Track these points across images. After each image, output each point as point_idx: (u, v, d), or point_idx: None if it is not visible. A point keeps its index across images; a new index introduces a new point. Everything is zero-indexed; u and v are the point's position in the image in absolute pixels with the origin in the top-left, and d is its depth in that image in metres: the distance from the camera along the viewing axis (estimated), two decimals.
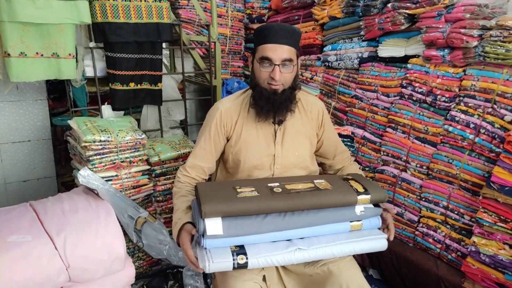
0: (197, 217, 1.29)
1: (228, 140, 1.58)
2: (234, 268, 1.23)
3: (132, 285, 1.77)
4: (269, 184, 1.38)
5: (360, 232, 1.40)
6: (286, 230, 1.33)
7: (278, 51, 1.40)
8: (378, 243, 1.39)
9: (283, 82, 1.44)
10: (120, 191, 1.97)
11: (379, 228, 1.45)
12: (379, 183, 2.23)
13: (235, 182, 1.42)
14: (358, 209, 1.38)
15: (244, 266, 1.24)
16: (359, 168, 1.78)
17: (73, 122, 2.03)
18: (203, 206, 1.23)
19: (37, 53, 2.01)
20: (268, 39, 1.41)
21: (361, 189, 1.38)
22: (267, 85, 1.44)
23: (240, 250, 1.27)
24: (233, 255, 1.24)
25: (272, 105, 1.45)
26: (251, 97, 1.53)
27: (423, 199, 2.01)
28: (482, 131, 1.77)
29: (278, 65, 1.40)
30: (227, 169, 1.64)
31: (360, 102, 2.43)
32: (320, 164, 1.80)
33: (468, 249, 1.76)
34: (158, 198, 2.16)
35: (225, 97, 1.67)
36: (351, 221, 1.39)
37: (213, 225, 1.24)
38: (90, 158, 1.91)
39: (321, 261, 1.40)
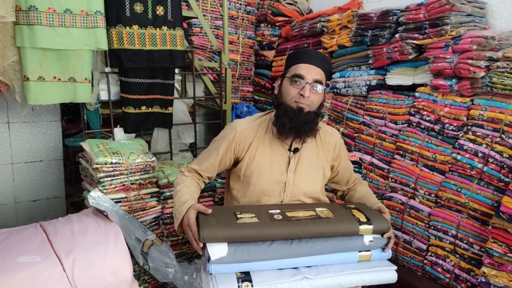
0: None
1: (238, 162, 1.57)
2: None
3: None
4: (270, 211, 1.36)
5: (368, 263, 1.38)
6: (293, 258, 1.31)
7: (311, 71, 1.44)
8: (387, 274, 1.37)
9: (310, 104, 1.45)
10: (129, 212, 1.98)
11: (388, 260, 1.42)
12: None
13: (236, 208, 1.42)
14: (367, 238, 1.35)
15: None
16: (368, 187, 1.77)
17: (85, 144, 2.07)
18: (202, 231, 1.23)
19: (54, 77, 2.08)
20: (303, 59, 1.46)
21: (363, 219, 1.36)
22: (294, 103, 1.45)
23: (245, 276, 1.25)
24: (238, 281, 1.22)
25: (295, 123, 1.44)
26: (274, 115, 1.53)
27: (432, 227, 1.99)
28: (491, 160, 1.77)
29: (310, 83, 1.43)
30: (232, 191, 1.62)
31: (368, 128, 2.45)
32: (332, 190, 1.81)
33: (478, 280, 1.73)
34: (165, 221, 2.17)
35: (245, 117, 1.68)
36: (359, 251, 1.36)
37: (217, 250, 1.23)
38: (101, 179, 1.94)
39: None
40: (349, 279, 1.32)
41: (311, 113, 1.46)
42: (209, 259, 1.23)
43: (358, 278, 1.33)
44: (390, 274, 1.38)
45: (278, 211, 1.37)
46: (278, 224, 1.29)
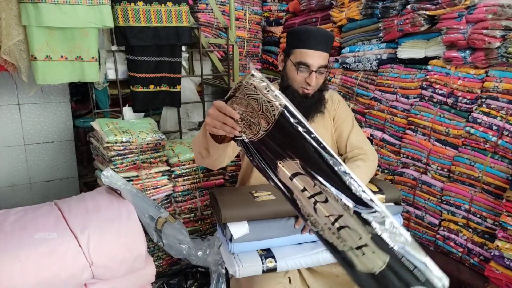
0: (221, 226, 1.30)
1: None
2: (263, 271, 1.24)
3: (152, 283, 1.80)
4: None
5: None
6: None
7: (317, 58, 1.40)
8: None
9: (316, 87, 1.47)
10: (141, 191, 2.00)
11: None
12: (399, 186, 2.21)
13: (251, 188, 1.44)
14: None
15: (273, 269, 1.25)
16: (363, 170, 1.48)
17: (96, 124, 2.08)
18: (222, 211, 1.25)
19: (62, 56, 2.07)
20: (308, 44, 1.40)
21: (375, 189, 1.40)
22: (300, 89, 1.46)
23: (267, 253, 1.27)
24: (261, 258, 1.25)
25: (302, 109, 1.39)
26: None
27: (444, 202, 1.98)
28: (505, 133, 1.73)
29: (315, 71, 1.41)
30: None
31: (379, 104, 2.42)
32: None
33: (491, 253, 1.72)
34: (177, 199, 2.19)
35: None
36: None
37: (238, 228, 1.25)
38: (112, 158, 1.95)
39: None
40: None
41: (316, 94, 1.47)
42: (231, 238, 1.25)
43: None
44: None
45: None
46: None
